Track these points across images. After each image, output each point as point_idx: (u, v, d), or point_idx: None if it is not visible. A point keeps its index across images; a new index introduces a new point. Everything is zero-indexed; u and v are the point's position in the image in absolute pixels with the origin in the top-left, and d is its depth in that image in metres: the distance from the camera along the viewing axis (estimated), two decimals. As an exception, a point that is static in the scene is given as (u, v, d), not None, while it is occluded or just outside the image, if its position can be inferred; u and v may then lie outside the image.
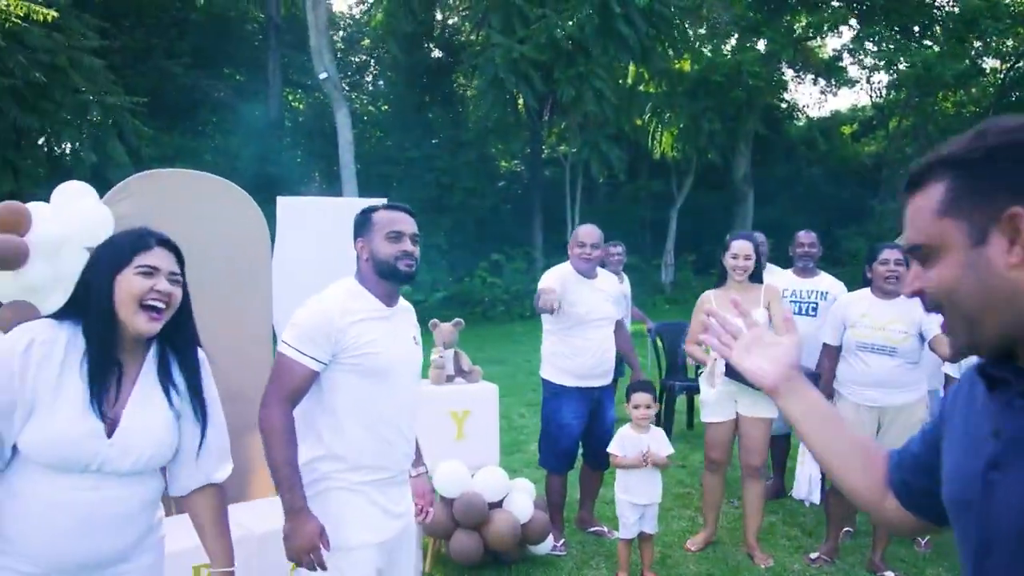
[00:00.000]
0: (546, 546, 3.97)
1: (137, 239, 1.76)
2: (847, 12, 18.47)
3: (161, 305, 1.71)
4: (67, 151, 11.68)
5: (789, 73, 24.06)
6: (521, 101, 16.81)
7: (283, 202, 4.41)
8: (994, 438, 0.92)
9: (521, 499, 3.79)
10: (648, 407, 3.60)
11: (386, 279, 2.26)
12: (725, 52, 17.93)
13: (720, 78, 16.35)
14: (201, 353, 1.91)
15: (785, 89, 24.42)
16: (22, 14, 10.44)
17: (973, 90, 23.50)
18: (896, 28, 19.99)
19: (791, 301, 4.78)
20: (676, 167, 19.70)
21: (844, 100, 25.53)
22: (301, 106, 22.18)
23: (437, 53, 21.23)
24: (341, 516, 2.18)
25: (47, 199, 9.41)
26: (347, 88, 20.31)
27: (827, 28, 18.80)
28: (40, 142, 11.51)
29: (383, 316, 2.27)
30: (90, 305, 1.70)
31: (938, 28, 19.36)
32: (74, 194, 3.99)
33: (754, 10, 18.04)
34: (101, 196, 4.07)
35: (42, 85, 10.93)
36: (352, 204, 4.91)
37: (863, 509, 1.22)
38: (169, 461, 1.84)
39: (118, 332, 1.71)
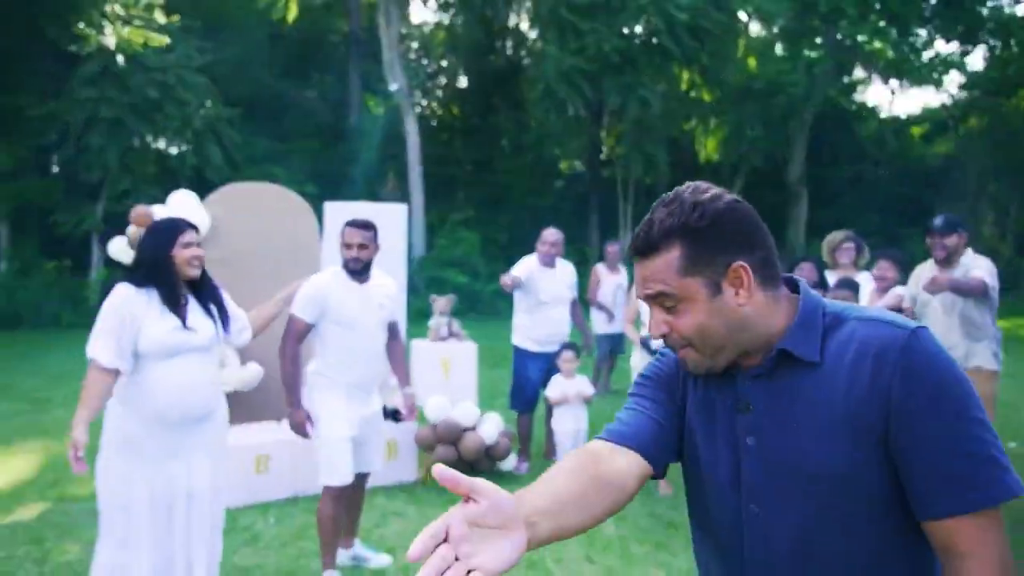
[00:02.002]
0: (509, 463, 5.39)
1: (176, 226, 3.07)
2: (893, 21, 18.98)
3: (196, 260, 3.04)
4: (173, 154, 13.67)
5: (856, 75, 24.53)
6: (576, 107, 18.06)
7: (330, 206, 5.94)
8: (742, 413, 1.19)
9: (489, 426, 5.21)
10: (572, 361, 4.97)
11: (346, 270, 3.59)
12: (776, 59, 18.72)
13: (761, 86, 17.24)
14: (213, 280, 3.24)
15: (851, 91, 24.84)
16: (141, 41, 12.47)
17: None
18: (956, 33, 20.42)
19: None
20: (730, 169, 20.61)
21: (916, 102, 25.51)
22: (379, 111, 24.08)
23: (503, 60, 22.67)
24: (323, 402, 3.58)
25: (156, 196, 12.19)
26: (419, 94, 21.98)
27: (871, 37, 19.34)
28: (151, 147, 13.52)
29: (353, 289, 3.57)
30: (159, 266, 2.99)
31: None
32: (183, 198, 5.63)
33: (797, 21, 18.82)
34: (202, 197, 5.73)
35: (156, 100, 12.95)
36: (386, 209, 6.42)
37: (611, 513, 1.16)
38: (215, 344, 3.12)
39: (176, 277, 3.03)
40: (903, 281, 4.91)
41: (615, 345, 7.78)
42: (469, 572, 0.85)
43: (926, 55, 20.23)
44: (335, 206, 6.08)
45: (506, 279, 5.25)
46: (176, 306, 2.98)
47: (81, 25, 12.27)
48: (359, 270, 3.54)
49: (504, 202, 20.37)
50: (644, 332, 5.18)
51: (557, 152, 21.29)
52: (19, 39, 13.19)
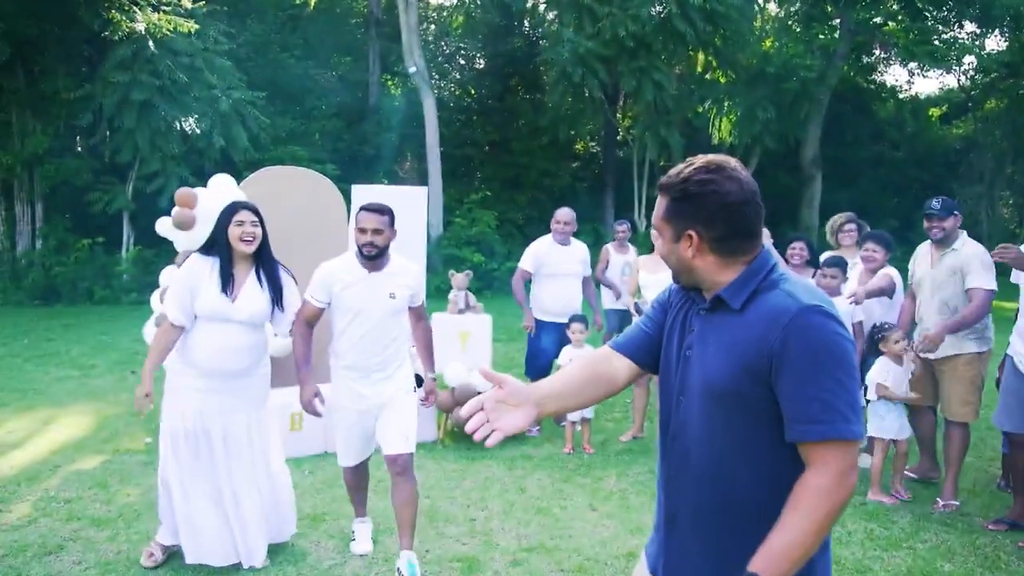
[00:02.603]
0: (521, 426, 5.85)
1: (234, 207, 3.52)
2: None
3: (249, 238, 3.48)
4: (200, 135, 14.12)
5: (876, 55, 24.49)
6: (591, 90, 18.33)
7: (357, 189, 6.38)
8: (688, 332, 1.67)
9: (502, 392, 5.67)
10: (581, 332, 5.41)
11: (360, 255, 3.52)
12: (787, 44, 18.86)
13: (773, 70, 17.43)
14: (279, 262, 3.61)
15: (870, 72, 24.81)
16: (171, 27, 12.91)
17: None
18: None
19: None
20: (743, 150, 20.81)
21: (934, 83, 25.21)
22: (397, 91, 24.42)
23: (519, 43, 22.92)
24: (336, 389, 3.63)
25: (183, 176, 12.95)
26: (436, 76, 22.29)
27: (885, 20, 19.42)
28: (179, 129, 13.96)
29: (361, 277, 3.50)
30: (218, 241, 3.49)
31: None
32: (222, 182, 6.08)
33: (812, 4, 18.93)
34: (238, 180, 6.18)
35: (184, 83, 13.40)
36: (410, 192, 6.84)
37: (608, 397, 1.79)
38: (269, 318, 3.60)
39: (232, 254, 3.49)
40: (890, 261, 5.29)
41: (623, 321, 8.18)
42: (493, 432, 1.49)
43: (940, 39, 20.21)
44: (362, 189, 6.51)
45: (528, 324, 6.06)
46: (228, 278, 3.45)
47: (113, 11, 12.69)
48: (373, 256, 3.46)
49: (520, 182, 20.72)
50: (638, 300, 5.61)
51: (572, 133, 21.55)
52: (53, 25, 13.66)
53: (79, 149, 15.78)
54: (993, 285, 4.44)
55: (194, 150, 14.54)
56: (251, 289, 3.49)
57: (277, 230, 6.14)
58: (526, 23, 23.38)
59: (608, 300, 8.02)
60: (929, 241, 4.76)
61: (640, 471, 5.13)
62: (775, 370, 1.49)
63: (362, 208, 3.49)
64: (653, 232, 1.76)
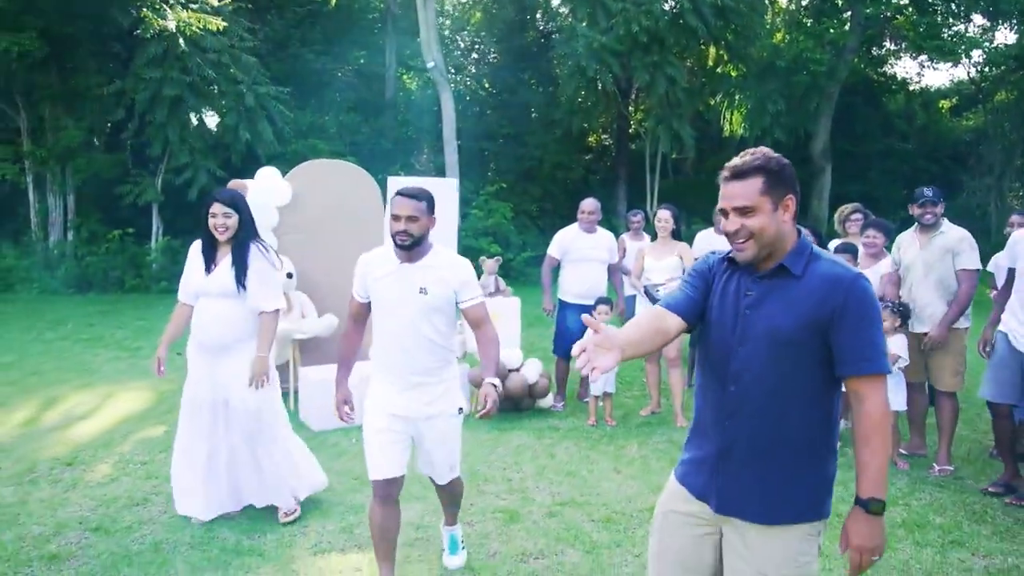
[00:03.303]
0: (547, 401, 6.31)
1: (209, 200, 3.89)
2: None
3: (222, 228, 3.85)
4: (227, 130, 14.61)
5: (887, 47, 24.72)
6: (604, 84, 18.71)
7: (392, 180, 6.82)
8: (746, 295, 2.07)
9: (530, 369, 6.12)
10: (605, 313, 5.84)
11: (394, 245, 3.15)
12: (798, 38, 19.15)
13: (784, 64, 17.76)
14: (256, 246, 3.90)
15: (880, 64, 25.05)
16: (201, 25, 13.37)
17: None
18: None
19: None
20: (753, 143, 21.16)
21: (945, 75, 25.44)
22: (413, 85, 24.84)
23: (533, 37, 23.30)
24: (370, 391, 3.30)
25: (211, 168, 13.65)
26: (452, 70, 22.71)
27: (893, 14, 19.68)
28: (207, 123, 14.47)
29: (393, 268, 3.16)
30: (203, 229, 3.91)
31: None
32: (268, 175, 6.55)
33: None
34: (253, 170, 6.60)
35: (212, 79, 13.87)
36: (442, 183, 7.28)
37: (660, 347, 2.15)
38: (236, 294, 3.85)
39: (214, 240, 3.92)
40: (888, 247, 5.70)
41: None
42: (594, 368, 1.80)
43: (949, 32, 20.46)
44: (397, 180, 6.96)
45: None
46: (209, 259, 3.96)
47: (144, 9, 13.15)
48: (407, 245, 3.09)
49: (534, 175, 21.12)
50: (646, 282, 6.02)
51: (585, 126, 21.93)
52: (86, 23, 14.13)
53: (111, 143, 16.26)
54: (979, 265, 4.90)
55: (220, 144, 15.03)
56: (224, 267, 3.91)
57: (319, 217, 6.67)
58: (539, 18, 23.73)
59: (626, 286, 8.47)
60: (914, 228, 5.21)
61: (659, 440, 5.57)
62: (835, 321, 1.95)
63: (397, 193, 3.17)
64: (730, 223, 2.04)
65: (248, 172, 15.15)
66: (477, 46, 24.88)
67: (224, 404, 4.00)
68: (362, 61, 23.15)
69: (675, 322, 2.11)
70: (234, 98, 14.35)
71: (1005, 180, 26.05)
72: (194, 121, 14.14)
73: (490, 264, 6.42)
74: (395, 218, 3.09)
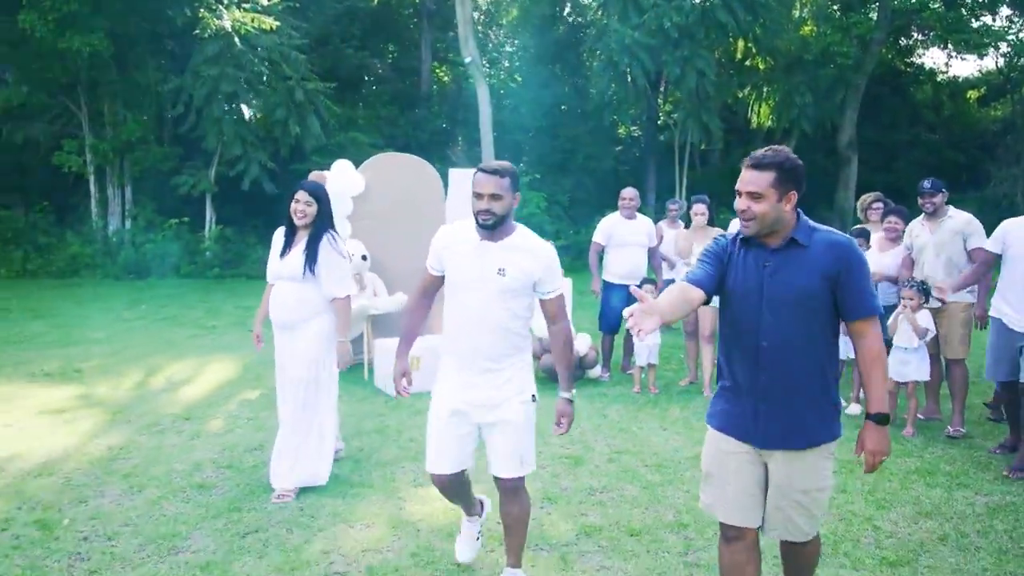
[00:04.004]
0: (596, 372, 6.97)
1: (295, 188, 4.25)
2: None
3: (300, 215, 4.18)
4: (276, 123, 15.41)
5: (915, 37, 24.95)
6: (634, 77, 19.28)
7: (454, 172, 7.51)
8: (760, 266, 2.54)
9: (580, 342, 6.79)
10: (649, 292, 6.48)
11: (477, 224, 3.01)
12: (826, 31, 19.56)
13: (811, 57, 18.22)
14: (328, 237, 4.16)
15: (908, 54, 25.30)
16: (255, 25, 14.13)
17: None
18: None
19: None
20: (780, 134, 21.60)
21: (973, 65, 25.50)
22: (447, 79, 25.52)
23: (565, 32, 23.86)
24: (439, 375, 3.18)
25: (261, 161, 14.70)
26: (487, 64, 23.34)
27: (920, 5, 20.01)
28: (259, 117, 15.27)
29: (471, 245, 3.02)
30: (286, 216, 4.39)
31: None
32: (344, 167, 7.23)
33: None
34: (302, 162, 7.29)
35: (264, 75, 14.64)
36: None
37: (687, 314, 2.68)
38: (302, 279, 4.16)
39: (294, 226, 4.38)
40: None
41: None
42: (640, 331, 2.34)
43: (977, 24, 20.73)
44: (459, 172, 7.65)
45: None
46: (287, 243, 4.30)
47: (202, 10, 13.94)
48: (491, 224, 2.96)
49: (566, 166, 21.72)
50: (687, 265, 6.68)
51: (615, 118, 22.48)
52: (146, 23, 14.96)
53: (166, 137, 17.12)
54: (987, 243, 5.43)
55: (270, 137, 15.82)
56: (296, 253, 4.21)
57: (387, 208, 7.37)
58: (567, 13, 24.27)
59: (664, 271, 9.12)
60: (921, 217, 5.84)
61: (698, 405, 6.22)
62: (841, 276, 2.50)
63: (479, 170, 3.02)
64: (741, 202, 2.52)
65: (295, 163, 15.94)
66: (510, 40, 25.48)
67: (285, 380, 4.37)
68: (396, 55, 23.89)
69: (697, 294, 2.56)
70: (284, 93, 15.13)
71: (1032, 170, 26.23)
72: (247, 115, 14.83)
73: (544, 248, 7.11)
74: (477, 196, 2.97)
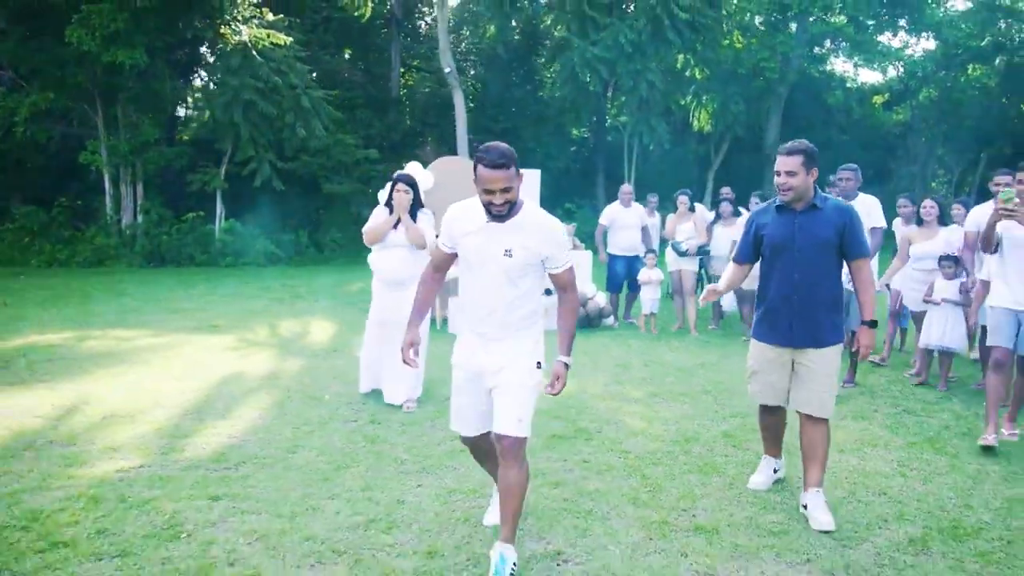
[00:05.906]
0: (609, 322, 9.40)
1: (396, 180, 5.78)
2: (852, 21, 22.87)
3: (400, 199, 5.66)
4: (285, 127, 17.25)
5: (827, 46, 28.27)
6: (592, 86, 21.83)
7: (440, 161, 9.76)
8: (792, 223, 3.77)
9: (600, 298, 9.18)
10: (652, 258, 8.92)
11: (489, 216, 3.09)
12: (752, 41, 22.56)
13: (744, 71, 21.16)
14: (421, 212, 5.82)
15: (823, 62, 28.54)
16: (269, 41, 15.98)
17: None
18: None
19: None
20: (717, 137, 24.56)
21: (877, 73, 28.71)
22: (412, 83, 27.53)
23: (523, 44, 26.26)
24: (457, 341, 3.40)
25: (271, 159, 17.57)
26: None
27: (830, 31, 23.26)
28: (271, 122, 17.06)
29: (480, 226, 3.12)
30: (391, 199, 6.17)
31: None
32: (415, 166, 9.36)
33: (774, 12, 22.76)
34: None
35: (277, 85, 16.51)
36: (526, 174, 10.16)
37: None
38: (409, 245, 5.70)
39: (395, 205, 5.86)
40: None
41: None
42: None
43: (875, 47, 24.13)
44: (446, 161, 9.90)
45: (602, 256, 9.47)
46: (396, 221, 5.73)
47: (222, 27, 15.71)
48: (505, 214, 3.06)
49: (528, 164, 23.99)
50: (672, 240, 9.10)
51: (569, 121, 25.02)
52: (172, 38, 16.54)
53: (176, 139, 18.69)
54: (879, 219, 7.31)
55: (279, 138, 17.65)
56: (400, 227, 5.71)
57: (448, 202, 9.48)
58: (528, 23, 26.67)
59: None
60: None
61: (688, 340, 8.68)
62: (846, 229, 3.70)
63: (483, 164, 3.01)
64: (781, 179, 3.68)
65: (297, 162, 17.67)
66: (476, 49, 27.76)
67: (391, 324, 5.99)
68: (368, 62, 25.81)
69: (745, 267, 4.00)
70: (292, 100, 17.00)
71: (929, 168, 29.89)
72: (264, 120, 16.65)
73: (568, 228, 9.42)
74: (488, 191, 3.00)
